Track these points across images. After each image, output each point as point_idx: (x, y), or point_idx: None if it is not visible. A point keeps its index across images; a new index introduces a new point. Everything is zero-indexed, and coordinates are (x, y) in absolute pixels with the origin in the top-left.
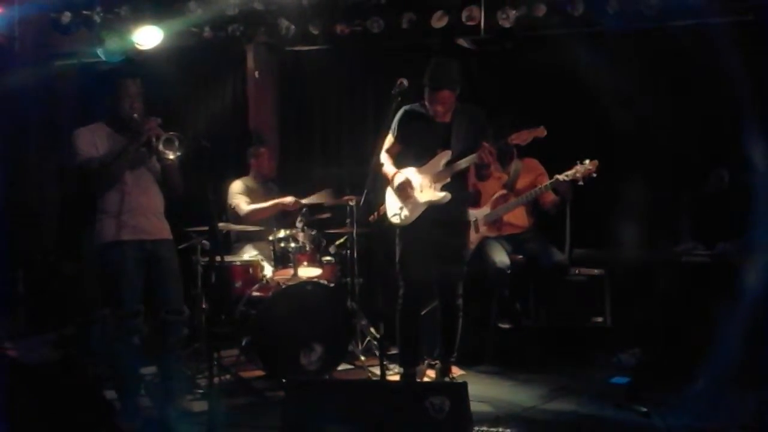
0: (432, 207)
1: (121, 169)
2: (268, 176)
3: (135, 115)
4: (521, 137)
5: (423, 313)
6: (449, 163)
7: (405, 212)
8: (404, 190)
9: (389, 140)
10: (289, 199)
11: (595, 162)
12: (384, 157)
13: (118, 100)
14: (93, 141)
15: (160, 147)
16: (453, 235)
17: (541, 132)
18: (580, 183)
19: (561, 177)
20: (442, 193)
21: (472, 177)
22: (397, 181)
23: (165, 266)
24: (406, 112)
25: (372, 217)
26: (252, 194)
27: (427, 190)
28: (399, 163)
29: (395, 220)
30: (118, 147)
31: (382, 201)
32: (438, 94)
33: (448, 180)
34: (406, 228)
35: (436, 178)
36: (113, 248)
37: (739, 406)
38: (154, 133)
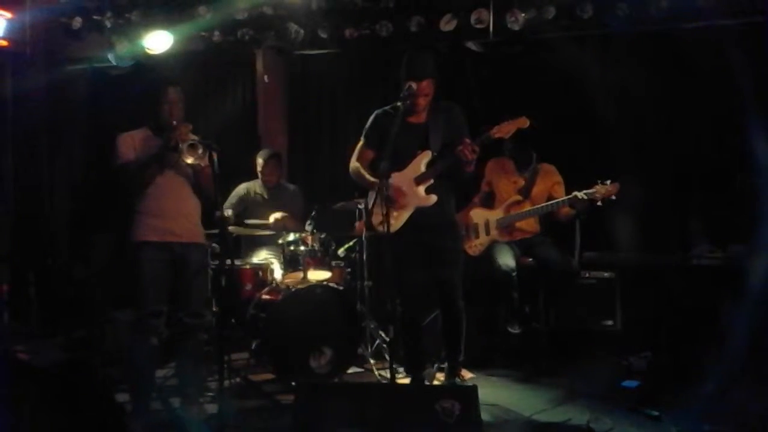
0: (418, 211)
1: (152, 171)
2: (273, 184)
3: (174, 122)
4: (503, 130)
5: (432, 316)
6: (431, 164)
7: (391, 219)
8: (394, 200)
9: (361, 147)
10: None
11: (617, 185)
12: (357, 166)
13: (158, 106)
14: (133, 145)
15: (184, 151)
16: (443, 237)
17: (524, 122)
18: (599, 204)
19: (580, 195)
20: (429, 196)
21: (486, 176)
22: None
23: (191, 270)
24: (377, 116)
25: (356, 228)
26: (256, 199)
27: (411, 194)
28: (375, 170)
29: (382, 228)
30: (149, 150)
31: (368, 211)
32: (419, 85)
33: (432, 182)
34: (394, 236)
35: (418, 181)
36: (140, 248)
37: (749, 408)
38: (181, 137)
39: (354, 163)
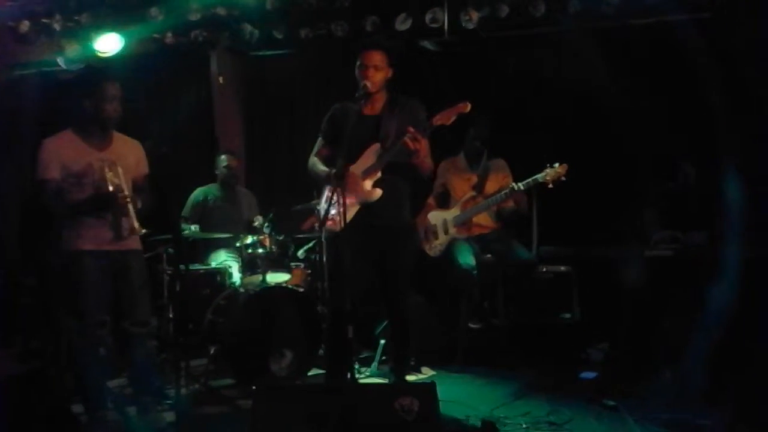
0: (366, 209)
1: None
2: (234, 184)
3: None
4: (445, 117)
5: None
6: (379, 157)
7: (337, 217)
8: (346, 181)
9: (319, 142)
10: None
11: (565, 166)
12: (314, 161)
13: (100, 104)
14: (58, 157)
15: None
16: (391, 240)
17: (465, 107)
18: (550, 186)
19: (516, 186)
20: (373, 190)
21: (441, 177)
22: (337, 174)
23: (132, 277)
24: (334, 109)
25: (306, 224)
26: (214, 203)
27: (357, 188)
28: (329, 165)
29: (328, 225)
30: (79, 160)
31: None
32: (367, 54)
33: (379, 176)
34: (338, 234)
35: (365, 175)
36: (77, 257)
37: (706, 396)
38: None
39: (311, 159)
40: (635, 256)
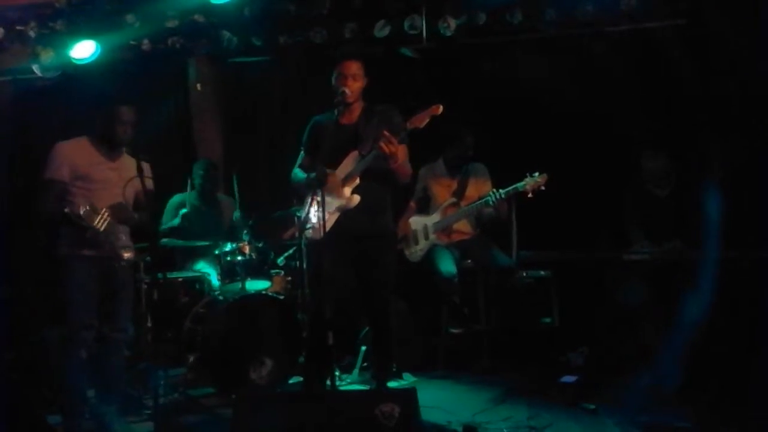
0: (346, 216)
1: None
2: (213, 194)
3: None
4: (418, 120)
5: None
6: (358, 164)
7: (317, 224)
8: (326, 183)
9: (300, 155)
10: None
11: (545, 176)
12: (295, 172)
13: (111, 125)
14: (69, 159)
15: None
16: (371, 247)
17: (437, 109)
18: (530, 195)
19: (496, 194)
20: (352, 197)
21: (421, 181)
22: (318, 177)
23: (120, 283)
24: (313, 121)
25: (287, 233)
26: (193, 211)
27: (336, 195)
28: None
29: (308, 233)
30: (88, 164)
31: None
32: (345, 64)
33: (358, 182)
34: (318, 243)
35: (344, 182)
36: (73, 261)
37: (682, 399)
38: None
39: (294, 171)
40: (613, 261)
